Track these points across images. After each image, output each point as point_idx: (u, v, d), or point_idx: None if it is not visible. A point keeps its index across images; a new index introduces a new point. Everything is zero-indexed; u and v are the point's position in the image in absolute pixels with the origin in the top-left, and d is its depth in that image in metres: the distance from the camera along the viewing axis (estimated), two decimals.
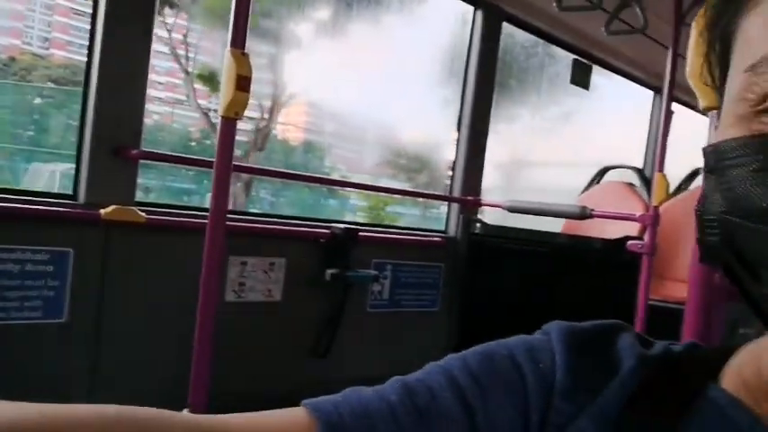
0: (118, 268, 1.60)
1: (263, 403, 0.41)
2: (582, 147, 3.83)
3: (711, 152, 0.36)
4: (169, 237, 1.69)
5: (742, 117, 0.34)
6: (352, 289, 2.07)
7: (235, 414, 0.37)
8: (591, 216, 2.07)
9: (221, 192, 1.37)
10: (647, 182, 2.75)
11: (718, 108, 0.52)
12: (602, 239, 2.19)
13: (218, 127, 1.37)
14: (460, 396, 0.40)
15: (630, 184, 2.80)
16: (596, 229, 2.42)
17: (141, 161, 1.68)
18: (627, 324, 0.46)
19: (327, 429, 0.37)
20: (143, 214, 1.58)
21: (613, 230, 2.23)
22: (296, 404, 0.40)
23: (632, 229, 2.28)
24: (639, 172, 2.90)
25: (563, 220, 2.70)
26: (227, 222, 1.43)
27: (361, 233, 2.07)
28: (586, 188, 3.03)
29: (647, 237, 1.93)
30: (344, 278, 2.00)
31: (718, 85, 0.39)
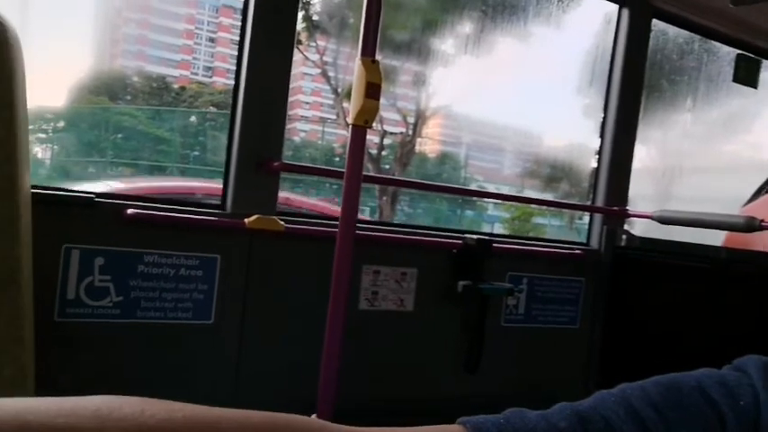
0: (260, 274, 1.70)
1: (402, 415, 0.40)
2: (746, 151, 3.43)
3: None
4: (307, 244, 1.76)
5: None
6: (487, 302, 2.01)
7: (390, 428, 0.36)
8: (760, 228, 1.83)
9: (351, 200, 1.40)
10: None
11: None
12: None
13: (349, 135, 1.40)
14: (642, 429, 0.36)
15: None
16: (765, 243, 2.13)
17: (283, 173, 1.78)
18: None
19: None
20: (282, 223, 1.66)
21: None
22: (433, 418, 0.38)
23: None
24: None
25: (723, 234, 2.42)
26: (359, 232, 1.46)
27: (495, 244, 2.01)
28: (753, 197, 2.70)
29: None
30: (478, 290, 1.95)
31: None
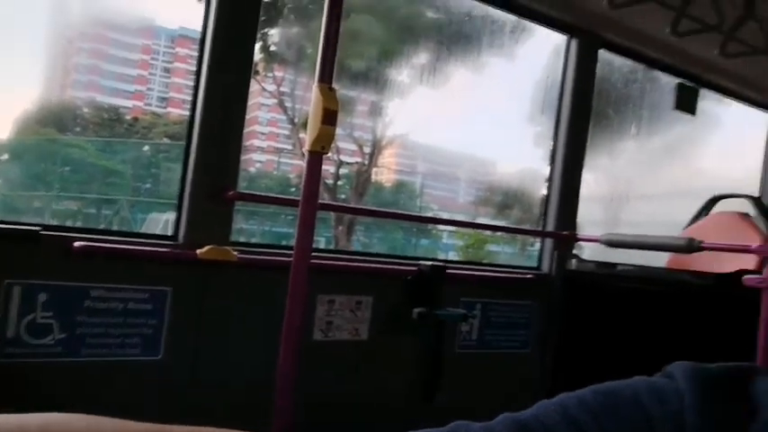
0: (213, 306, 1.67)
1: None
2: (687, 176, 3.59)
3: None
4: (262, 274, 1.75)
5: None
6: (443, 328, 2.03)
7: None
8: (700, 249, 1.91)
9: (306, 228, 1.40)
10: (764, 211, 2.51)
11: None
12: (715, 274, 2.01)
13: (305, 162, 1.41)
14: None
15: (745, 215, 2.57)
16: (704, 263, 2.22)
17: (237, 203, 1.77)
18: (764, 368, 0.43)
19: None
20: (235, 253, 1.65)
21: (724, 265, 2.04)
22: None
23: (747, 262, 2.07)
24: (756, 201, 2.65)
25: (667, 256, 2.51)
26: (314, 261, 1.46)
27: (449, 270, 2.04)
28: (693, 220, 2.81)
29: (766, 270, 1.75)
30: (433, 317, 1.97)
31: None
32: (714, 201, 2.83)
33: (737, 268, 1.89)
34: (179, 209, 1.70)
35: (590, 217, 3.18)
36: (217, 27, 1.68)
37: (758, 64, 2.38)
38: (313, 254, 1.46)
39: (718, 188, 2.89)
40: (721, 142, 3.60)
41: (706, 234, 2.25)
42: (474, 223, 2.77)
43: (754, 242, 1.91)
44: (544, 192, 2.54)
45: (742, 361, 0.43)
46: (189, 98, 1.74)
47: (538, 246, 2.54)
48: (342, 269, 1.91)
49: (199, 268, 1.65)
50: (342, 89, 1.43)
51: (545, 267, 2.41)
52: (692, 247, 1.90)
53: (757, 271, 1.88)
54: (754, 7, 1.95)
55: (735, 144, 3.57)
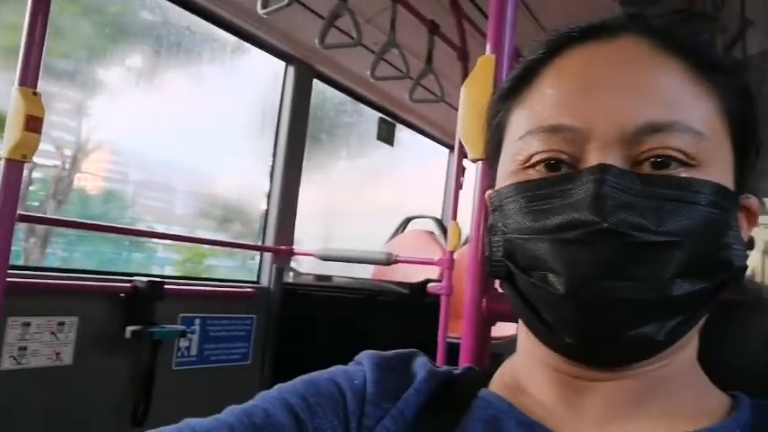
0: None
1: None
2: (391, 198, 4.08)
3: (495, 195, 0.52)
4: None
5: (514, 171, 0.50)
6: (158, 347, 1.95)
7: None
8: (396, 262, 2.21)
9: (3, 244, 1.23)
10: (444, 230, 3.00)
11: (485, 159, 0.80)
12: (409, 283, 2.34)
13: (1, 170, 1.24)
14: (292, 412, 0.49)
15: (431, 233, 3.04)
16: (403, 274, 2.57)
17: None
18: (421, 352, 0.60)
19: None
20: None
21: (419, 275, 2.40)
22: None
23: (433, 273, 2.47)
24: (438, 221, 3.16)
25: (375, 267, 2.83)
26: (10, 279, 1.29)
27: (167, 286, 1.97)
28: (392, 237, 3.23)
29: (444, 279, 2.10)
30: (148, 335, 1.88)
31: (493, 148, 0.56)
32: (408, 220, 3.29)
33: (425, 278, 2.24)
34: None
35: (313, 233, 3.39)
36: None
37: (441, 109, 2.87)
38: (9, 271, 1.29)
39: (416, 209, 3.36)
40: (418, 169, 4.18)
41: (402, 248, 2.61)
42: (192, 237, 2.72)
43: (437, 256, 2.28)
44: (264, 207, 2.64)
45: (429, 354, 0.60)
46: None
47: (257, 260, 2.62)
48: (40, 288, 1.71)
49: None
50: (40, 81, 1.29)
51: (264, 281, 2.50)
52: (389, 260, 2.19)
53: (440, 280, 2.25)
54: (432, 62, 2.35)
55: (428, 171, 4.19)
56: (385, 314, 2.34)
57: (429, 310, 2.13)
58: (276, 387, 0.53)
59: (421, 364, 0.56)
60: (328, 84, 2.88)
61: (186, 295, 2.13)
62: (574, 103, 0.47)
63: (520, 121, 0.51)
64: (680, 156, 0.44)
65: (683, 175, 0.44)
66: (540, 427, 0.48)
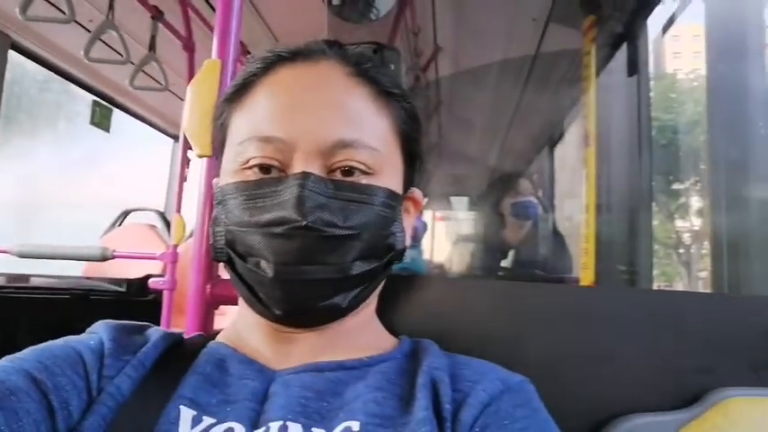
0: None
1: None
2: (108, 190, 3.77)
3: (219, 191, 0.61)
4: None
5: (236, 171, 0.60)
6: None
7: None
8: (113, 257, 2.06)
9: None
10: (168, 223, 2.89)
11: (210, 156, 0.90)
12: (127, 279, 2.21)
13: None
14: (28, 375, 0.52)
15: (153, 226, 2.90)
16: (122, 270, 2.42)
17: None
18: (152, 324, 0.67)
19: None
20: None
21: (138, 270, 2.28)
22: None
23: (156, 268, 2.36)
24: (161, 214, 3.03)
25: (89, 265, 2.60)
26: None
27: None
28: (108, 230, 3.00)
29: (167, 274, 2.04)
30: None
31: (218, 143, 0.65)
32: (127, 213, 3.08)
33: (147, 273, 2.15)
34: None
35: (2, 228, 2.94)
36: None
37: (165, 97, 2.76)
38: None
39: (137, 201, 3.16)
40: (140, 159, 3.92)
41: (120, 243, 2.45)
42: None
43: (160, 250, 2.20)
44: None
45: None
46: None
47: None
48: None
49: None
50: None
51: None
52: (105, 256, 2.03)
53: (163, 275, 2.18)
54: (155, 49, 2.26)
55: (151, 162, 3.96)
56: (101, 314, 2.15)
57: (150, 306, 2.06)
58: (4, 358, 0.55)
59: (155, 329, 0.65)
60: (28, 57, 2.53)
61: None
62: (284, 118, 0.58)
63: (240, 127, 0.61)
64: (362, 166, 0.58)
65: (363, 181, 0.59)
66: (257, 364, 0.60)
